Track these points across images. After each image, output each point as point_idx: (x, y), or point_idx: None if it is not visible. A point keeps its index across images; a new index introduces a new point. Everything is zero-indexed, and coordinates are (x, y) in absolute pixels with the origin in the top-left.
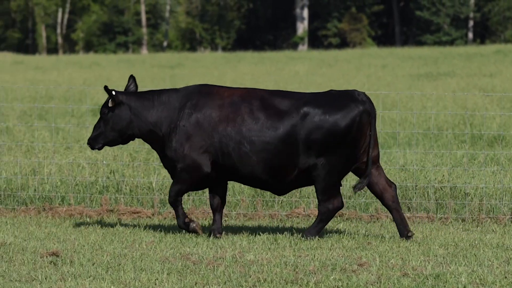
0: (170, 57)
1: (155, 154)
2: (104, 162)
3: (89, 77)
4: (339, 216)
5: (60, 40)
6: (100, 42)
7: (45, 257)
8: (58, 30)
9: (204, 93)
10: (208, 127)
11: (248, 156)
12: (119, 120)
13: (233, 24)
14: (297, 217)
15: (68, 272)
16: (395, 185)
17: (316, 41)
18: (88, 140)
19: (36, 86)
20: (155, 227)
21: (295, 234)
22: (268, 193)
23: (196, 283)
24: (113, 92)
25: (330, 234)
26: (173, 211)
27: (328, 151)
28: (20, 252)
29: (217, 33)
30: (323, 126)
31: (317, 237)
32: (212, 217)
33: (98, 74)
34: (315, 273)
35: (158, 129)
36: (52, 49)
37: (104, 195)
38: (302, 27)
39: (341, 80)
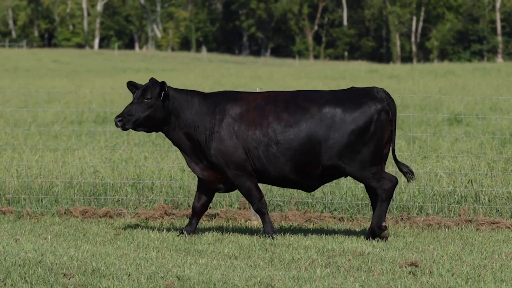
0: None
1: None
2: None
3: (444, 86)
4: None
5: (414, 48)
6: (455, 50)
7: (404, 267)
8: (412, 39)
9: (230, 98)
10: (237, 130)
11: (275, 156)
12: (159, 111)
13: None
14: None
15: (427, 282)
16: (396, 179)
17: None
18: (121, 116)
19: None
20: None
21: None
22: None
23: None
24: (166, 88)
25: None
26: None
27: (352, 148)
28: (379, 262)
29: None
30: (343, 123)
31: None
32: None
33: (454, 83)
34: None
35: (193, 131)
36: (406, 58)
37: (462, 205)
38: None
39: None
